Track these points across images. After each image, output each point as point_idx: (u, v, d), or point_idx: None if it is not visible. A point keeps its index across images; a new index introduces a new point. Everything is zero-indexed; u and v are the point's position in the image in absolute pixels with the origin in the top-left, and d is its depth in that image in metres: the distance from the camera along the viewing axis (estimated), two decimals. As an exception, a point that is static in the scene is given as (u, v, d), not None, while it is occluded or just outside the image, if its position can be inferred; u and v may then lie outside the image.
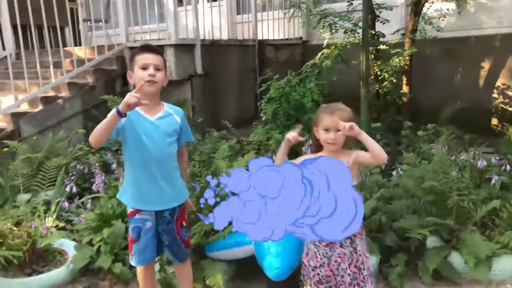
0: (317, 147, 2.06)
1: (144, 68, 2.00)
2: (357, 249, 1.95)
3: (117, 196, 2.23)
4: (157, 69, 2.02)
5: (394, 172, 3.12)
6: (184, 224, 2.18)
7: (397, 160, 3.95)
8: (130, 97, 1.79)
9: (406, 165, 3.34)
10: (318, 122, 2.01)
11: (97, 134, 1.89)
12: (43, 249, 2.80)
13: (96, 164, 3.34)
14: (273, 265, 2.23)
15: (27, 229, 2.75)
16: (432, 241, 2.73)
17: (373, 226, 2.76)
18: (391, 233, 2.73)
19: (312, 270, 1.97)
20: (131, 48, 5.41)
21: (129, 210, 2.13)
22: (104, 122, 1.86)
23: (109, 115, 1.84)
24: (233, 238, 2.56)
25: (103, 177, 3.20)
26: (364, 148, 1.94)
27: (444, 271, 2.59)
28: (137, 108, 1.99)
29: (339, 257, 1.93)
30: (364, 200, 2.85)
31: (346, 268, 1.93)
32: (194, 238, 2.51)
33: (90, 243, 2.90)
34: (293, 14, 5.73)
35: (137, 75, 2.01)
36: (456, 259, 2.61)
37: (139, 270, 2.22)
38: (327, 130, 1.98)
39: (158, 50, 2.08)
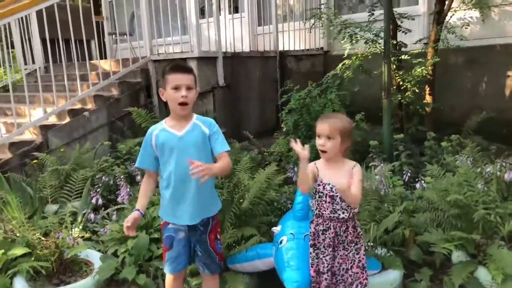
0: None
1: (176, 88, 2.03)
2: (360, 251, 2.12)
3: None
4: (188, 88, 2.05)
5: (417, 185, 3.08)
6: (218, 236, 2.21)
7: (420, 171, 3.91)
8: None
9: (430, 177, 3.30)
10: (316, 131, 2.11)
11: None
12: (70, 259, 2.87)
13: (122, 176, 3.41)
14: (293, 278, 2.23)
15: (54, 239, 2.83)
16: (457, 256, 2.68)
17: (396, 239, 2.74)
18: (415, 247, 2.69)
19: (320, 275, 2.11)
20: (155, 61, 5.52)
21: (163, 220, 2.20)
22: None
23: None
24: (255, 250, 2.58)
25: (128, 189, 3.27)
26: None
27: (470, 287, 2.53)
28: (165, 125, 2.12)
29: (341, 258, 2.12)
30: (387, 213, 2.86)
31: (348, 269, 2.12)
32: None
33: (115, 254, 2.96)
34: (313, 24, 5.75)
35: (169, 96, 2.06)
36: (483, 274, 2.55)
37: (169, 278, 2.26)
38: (318, 136, 2.06)
39: (189, 69, 2.12)
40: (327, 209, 2.09)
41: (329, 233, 2.11)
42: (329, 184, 2.07)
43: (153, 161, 2.14)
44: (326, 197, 2.08)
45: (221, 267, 2.27)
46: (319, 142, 2.04)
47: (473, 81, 5.66)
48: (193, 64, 5.14)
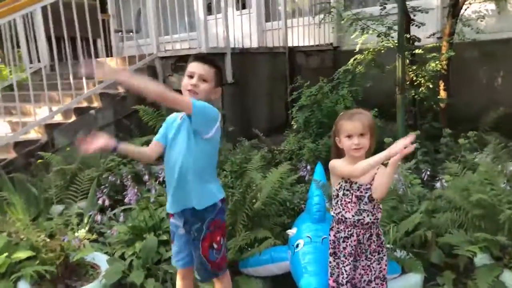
0: (338, 157, 2.01)
1: (190, 76, 1.97)
2: (382, 261, 1.99)
3: None
4: (202, 79, 1.97)
5: (437, 184, 2.94)
6: (215, 246, 2.05)
7: (436, 169, 3.77)
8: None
9: (449, 176, 3.16)
10: (339, 130, 1.97)
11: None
12: (75, 263, 2.77)
13: (129, 176, 3.30)
14: (311, 284, 2.12)
15: (60, 242, 2.73)
16: (481, 259, 2.54)
17: (416, 241, 2.60)
18: (436, 249, 2.56)
19: (339, 287, 1.99)
20: (162, 58, 5.42)
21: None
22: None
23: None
24: (268, 253, 2.47)
25: (136, 190, 3.16)
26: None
27: (496, 292, 2.39)
28: (178, 114, 2.07)
29: (363, 269, 1.99)
30: (406, 214, 2.73)
31: (370, 281, 1.99)
32: (228, 253, 2.42)
33: (122, 256, 2.85)
34: (323, 19, 5.61)
35: (184, 82, 2.00)
36: (509, 278, 2.41)
37: (177, 274, 2.22)
38: (349, 136, 1.92)
39: (210, 60, 2.04)
40: (351, 210, 1.95)
41: (351, 241, 1.96)
42: (356, 183, 1.94)
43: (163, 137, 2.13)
44: (352, 196, 1.94)
45: (216, 275, 2.12)
46: (354, 142, 1.90)
47: (489, 76, 5.49)
48: (200, 61, 5.02)
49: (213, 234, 2.04)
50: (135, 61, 5.35)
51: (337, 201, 2.00)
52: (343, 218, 1.98)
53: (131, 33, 6.42)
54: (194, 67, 1.97)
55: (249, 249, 2.54)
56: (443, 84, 4.98)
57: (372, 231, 1.96)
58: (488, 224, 2.60)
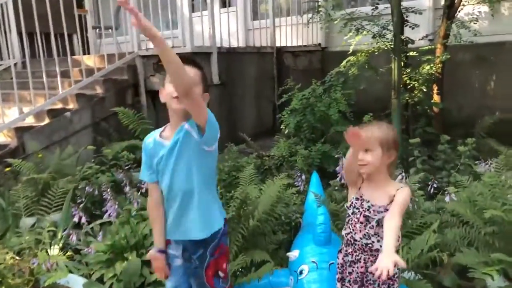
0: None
1: None
2: None
3: None
4: None
5: (447, 198, 2.73)
6: (221, 274, 1.82)
7: (436, 178, 3.59)
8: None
9: (454, 187, 2.97)
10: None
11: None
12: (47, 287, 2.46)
13: (108, 190, 2.98)
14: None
15: (29, 265, 2.42)
16: (495, 280, 2.34)
17: (425, 262, 2.39)
18: (448, 271, 2.35)
19: None
20: (143, 56, 5.10)
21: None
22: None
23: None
24: (267, 278, 2.20)
25: (116, 206, 2.85)
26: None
27: (513, 317, 2.21)
28: (156, 136, 1.77)
29: None
30: (414, 230, 2.52)
31: None
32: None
33: (101, 279, 2.56)
34: (311, 18, 5.39)
35: (167, 91, 1.66)
36: (526, 302, 2.23)
37: None
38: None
39: (195, 62, 1.73)
40: (360, 231, 1.72)
41: (357, 267, 1.73)
42: (368, 201, 1.71)
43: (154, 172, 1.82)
44: (360, 215, 1.71)
45: None
46: (358, 157, 1.68)
47: (482, 80, 5.38)
48: (185, 60, 4.72)
49: (218, 261, 1.79)
50: (114, 59, 5.02)
51: (348, 220, 1.77)
52: (352, 240, 1.74)
53: (110, 30, 6.08)
54: None
55: (244, 272, 2.28)
56: (436, 88, 4.83)
57: None
58: (503, 242, 2.41)
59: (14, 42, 5.75)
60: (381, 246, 1.67)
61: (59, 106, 4.58)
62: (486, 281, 2.34)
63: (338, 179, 3.20)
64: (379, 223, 1.69)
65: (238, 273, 2.24)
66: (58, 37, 4.75)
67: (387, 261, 1.39)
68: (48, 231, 2.86)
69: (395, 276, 1.75)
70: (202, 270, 1.77)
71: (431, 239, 2.21)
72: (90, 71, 4.84)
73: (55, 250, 2.96)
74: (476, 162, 3.54)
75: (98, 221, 2.97)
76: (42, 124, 4.29)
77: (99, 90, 4.85)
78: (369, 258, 1.72)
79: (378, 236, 1.70)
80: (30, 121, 4.41)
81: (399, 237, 1.66)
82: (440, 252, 2.26)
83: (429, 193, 2.98)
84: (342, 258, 1.79)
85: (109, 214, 2.79)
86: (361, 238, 1.72)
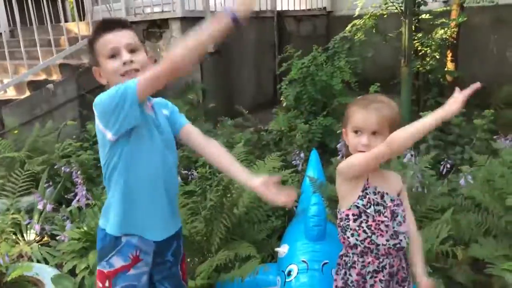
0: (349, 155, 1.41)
1: (113, 56, 1.35)
2: None
3: (100, 224, 1.48)
4: (131, 50, 1.36)
5: (461, 181, 2.41)
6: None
7: (449, 154, 3.27)
8: None
9: (468, 167, 2.65)
10: (348, 120, 1.39)
11: (193, 52, 1.23)
12: (13, 281, 2.22)
13: (78, 172, 2.69)
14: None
15: (-9, 257, 2.17)
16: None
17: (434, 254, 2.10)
18: (463, 266, 2.06)
19: None
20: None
21: (118, 263, 1.42)
22: (206, 33, 1.21)
23: (216, 24, 1.20)
24: (252, 276, 1.92)
25: (85, 192, 2.55)
26: None
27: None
28: None
29: None
30: (427, 222, 2.22)
31: None
32: (200, 278, 1.88)
33: (73, 271, 2.31)
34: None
35: (108, 69, 1.35)
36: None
37: None
38: (357, 131, 1.35)
39: (121, 22, 1.42)
40: (386, 233, 1.37)
41: (382, 275, 1.38)
42: (387, 193, 1.39)
43: None
44: (387, 211, 1.37)
45: None
46: (362, 141, 1.33)
47: (501, 45, 4.95)
48: (175, 26, 4.36)
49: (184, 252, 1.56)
50: (101, 26, 4.64)
51: (361, 222, 1.38)
52: (373, 247, 1.38)
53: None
54: (112, 40, 1.35)
55: (229, 265, 2.00)
56: (451, 54, 4.44)
57: (401, 256, 1.42)
58: (525, 232, 2.10)
59: (1, 10, 5.40)
60: (407, 241, 1.39)
61: (42, 77, 4.27)
62: (506, 277, 2.05)
63: (339, 156, 2.89)
64: (404, 218, 1.40)
65: (220, 268, 1.96)
66: (49, 3, 4.39)
67: None
68: (13, 218, 2.59)
69: (409, 267, 1.45)
70: (177, 266, 1.51)
71: (443, 231, 1.90)
72: (75, 40, 4.50)
73: (31, 236, 2.74)
74: (495, 136, 3.20)
75: (70, 207, 2.70)
76: (23, 97, 4.00)
77: (85, 60, 4.51)
78: (395, 261, 1.39)
79: (405, 233, 1.40)
80: (10, 94, 4.12)
81: None
82: (453, 245, 1.97)
83: (441, 173, 2.66)
84: (359, 272, 1.39)
85: (78, 200, 2.51)
86: (388, 240, 1.37)
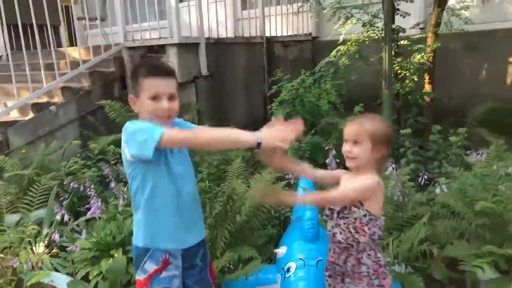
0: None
1: (155, 98, 1.55)
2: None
3: (134, 242, 1.68)
4: (171, 97, 1.58)
5: (437, 190, 2.70)
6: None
7: (427, 169, 3.56)
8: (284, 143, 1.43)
9: (444, 179, 2.94)
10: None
11: (213, 141, 1.54)
12: (30, 287, 2.40)
13: (92, 186, 2.91)
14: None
15: (11, 265, 2.35)
16: (484, 273, 2.32)
17: (416, 255, 2.36)
18: (439, 263, 2.32)
19: None
20: (130, 48, 4.99)
21: (151, 267, 1.63)
22: (234, 137, 1.51)
23: (245, 137, 1.47)
24: (254, 274, 2.15)
25: (99, 203, 2.77)
26: None
27: (505, 309, 2.18)
28: None
29: None
30: (403, 223, 2.49)
31: None
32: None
33: (86, 277, 2.50)
34: (301, 7, 5.30)
35: (146, 107, 1.56)
36: (518, 293, 2.20)
37: None
38: (345, 141, 1.65)
39: (171, 71, 1.64)
40: (329, 225, 1.73)
41: (329, 255, 1.75)
42: None
43: None
44: (328, 209, 1.72)
45: None
46: (345, 148, 1.64)
47: (473, 68, 5.34)
48: (172, 52, 4.63)
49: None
50: (100, 51, 4.90)
51: None
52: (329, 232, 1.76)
53: (96, 21, 5.94)
54: (159, 85, 1.55)
55: (232, 267, 2.23)
56: (428, 77, 4.78)
57: (350, 253, 1.66)
58: (493, 234, 2.38)
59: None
60: (342, 239, 1.66)
61: (44, 99, 4.48)
62: (477, 274, 2.32)
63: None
64: (339, 214, 1.66)
65: (225, 269, 2.19)
66: (43, 28, 4.62)
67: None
68: (33, 228, 2.78)
69: (362, 274, 1.65)
70: (206, 271, 1.72)
71: (421, 232, 2.17)
72: (75, 64, 4.73)
73: (40, 248, 2.91)
74: (468, 152, 3.51)
75: (84, 218, 2.90)
76: (27, 118, 4.19)
77: (85, 83, 4.75)
78: (335, 249, 1.70)
79: (340, 228, 1.66)
80: (14, 115, 4.31)
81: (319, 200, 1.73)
82: (430, 245, 2.23)
83: (420, 184, 2.94)
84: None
85: (93, 211, 2.72)
86: (329, 230, 1.72)
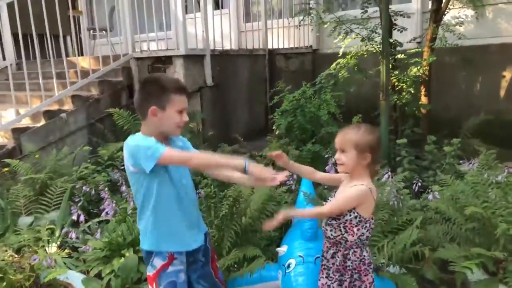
0: None
1: (181, 111, 1.79)
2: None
3: (141, 247, 1.88)
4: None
5: (430, 196, 2.87)
6: (217, 264, 1.95)
7: (422, 178, 3.71)
8: (273, 178, 1.66)
9: (438, 186, 3.10)
10: None
11: (206, 163, 1.77)
12: (47, 283, 2.55)
13: (106, 189, 3.08)
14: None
15: (29, 262, 2.50)
16: (475, 274, 2.47)
17: (409, 256, 2.52)
18: (430, 264, 2.48)
19: None
20: (138, 58, 5.18)
21: (158, 263, 1.81)
22: (224, 161, 1.76)
23: (235, 163, 1.67)
24: (258, 272, 2.31)
25: (114, 204, 2.94)
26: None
27: (492, 308, 2.34)
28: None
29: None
30: (398, 227, 2.64)
31: None
32: (216, 274, 2.26)
33: (99, 275, 2.65)
34: (302, 21, 5.51)
35: (170, 118, 1.77)
36: (504, 293, 2.36)
37: None
38: (336, 149, 1.86)
39: (188, 91, 1.90)
40: (323, 222, 1.91)
41: (323, 249, 1.94)
42: (336, 191, 1.92)
43: None
44: None
45: None
46: (335, 155, 1.85)
47: (467, 82, 5.54)
48: (179, 63, 4.83)
49: (213, 251, 1.94)
50: (109, 61, 5.10)
51: None
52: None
53: (104, 31, 6.15)
54: (185, 102, 1.81)
55: (236, 266, 2.39)
56: (424, 89, 4.96)
57: (338, 249, 1.84)
58: (482, 238, 2.54)
59: (9, 44, 5.80)
60: (332, 235, 1.84)
61: (55, 107, 4.65)
62: (466, 275, 2.47)
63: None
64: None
65: (231, 267, 2.35)
66: (52, 38, 4.81)
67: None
68: (47, 229, 2.94)
69: (348, 268, 1.83)
70: (209, 265, 1.88)
71: (414, 234, 2.33)
72: (85, 73, 4.92)
73: (53, 248, 3.06)
74: (460, 161, 3.68)
75: (96, 219, 3.06)
76: (39, 125, 4.37)
77: (94, 92, 4.93)
78: (325, 243, 1.89)
79: (332, 226, 1.83)
80: (26, 122, 4.48)
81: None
82: (423, 247, 2.39)
83: (414, 192, 3.11)
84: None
85: (107, 212, 2.88)
86: (323, 226, 1.90)
